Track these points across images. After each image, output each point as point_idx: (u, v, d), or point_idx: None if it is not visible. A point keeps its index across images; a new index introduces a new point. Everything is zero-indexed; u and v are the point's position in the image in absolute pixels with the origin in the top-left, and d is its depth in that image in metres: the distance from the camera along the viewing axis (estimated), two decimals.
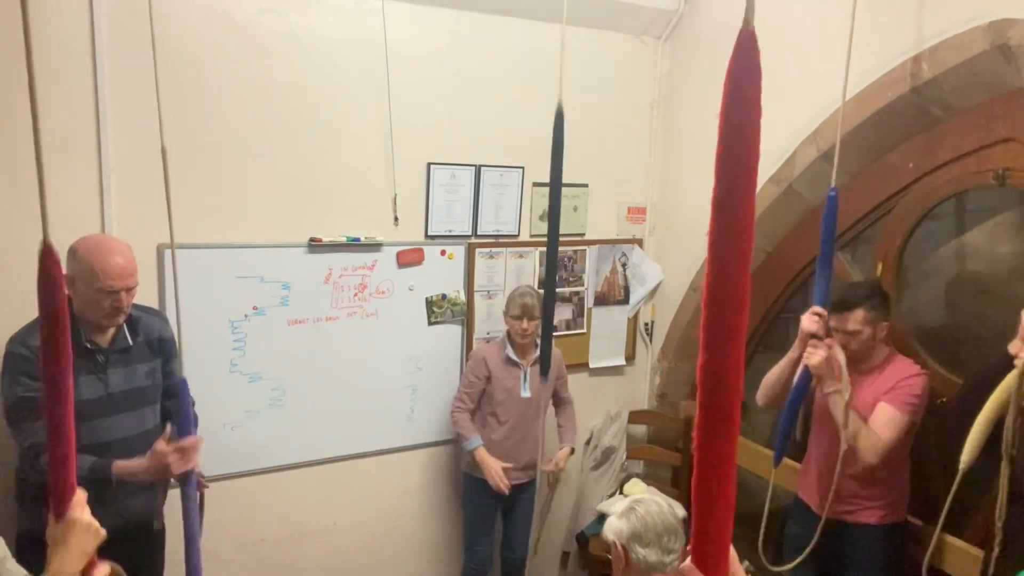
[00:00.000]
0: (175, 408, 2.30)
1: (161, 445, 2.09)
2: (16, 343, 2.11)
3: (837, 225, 2.50)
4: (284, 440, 3.03)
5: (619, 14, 3.40)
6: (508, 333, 3.14)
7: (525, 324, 3.04)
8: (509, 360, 3.12)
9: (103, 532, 1.16)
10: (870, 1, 2.41)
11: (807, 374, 2.46)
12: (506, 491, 3.05)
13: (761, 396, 2.73)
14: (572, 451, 3.28)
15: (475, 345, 3.35)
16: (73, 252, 2.11)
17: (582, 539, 3.64)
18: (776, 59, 3.45)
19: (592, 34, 3.41)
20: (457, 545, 3.42)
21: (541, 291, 3.32)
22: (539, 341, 3.17)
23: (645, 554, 1.82)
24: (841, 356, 2.40)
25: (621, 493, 3.58)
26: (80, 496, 1.13)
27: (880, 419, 2.39)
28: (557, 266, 3.52)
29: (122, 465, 2.10)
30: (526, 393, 3.11)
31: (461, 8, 3.10)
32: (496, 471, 3.05)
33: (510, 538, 3.32)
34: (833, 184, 2.44)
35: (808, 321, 2.45)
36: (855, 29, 2.35)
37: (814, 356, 2.41)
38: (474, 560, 3.24)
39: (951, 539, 2.44)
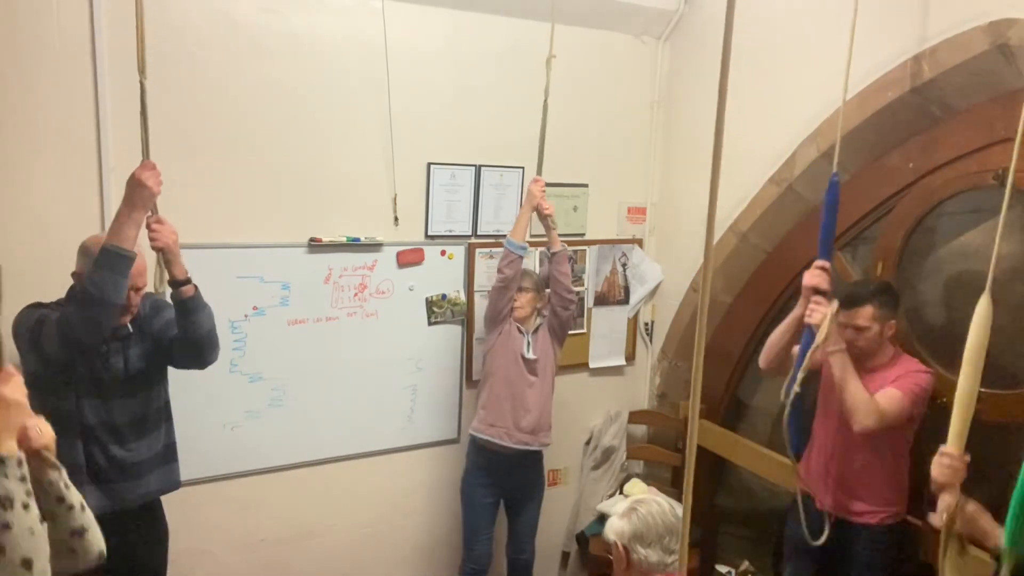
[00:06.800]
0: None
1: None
2: (24, 309, 2.13)
3: (837, 224, 2.50)
4: (284, 440, 3.03)
5: (619, 14, 3.40)
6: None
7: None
8: (517, 329, 3.11)
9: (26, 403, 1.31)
10: (870, 1, 2.41)
11: (809, 337, 2.40)
12: (538, 193, 2.98)
13: (763, 359, 2.70)
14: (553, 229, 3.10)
15: (475, 345, 3.35)
16: (84, 249, 2.13)
17: (582, 539, 3.64)
18: (776, 59, 3.42)
19: (592, 34, 3.41)
20: (457, 545, 3.42)
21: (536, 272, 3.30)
22: (538, 317, 3.16)
23: (646, 554, 1.82)
24: (834, 305, 2.36)
25: (621, 493, 3.59)
26: (14, 377, 1.29)
27: (881, 397, 2.40)
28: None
29: (111, 234, 2.03)
30: (530, 354, 3.09)
31: (460, 8, 3.10)
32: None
33: (518, 538, 3.30)
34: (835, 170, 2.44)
35: (810, 276, 2.38)
36: (855, 29, 2.35)
37: (815, 314, 2.34)
38: (473, 560, 3.24)
39: None
